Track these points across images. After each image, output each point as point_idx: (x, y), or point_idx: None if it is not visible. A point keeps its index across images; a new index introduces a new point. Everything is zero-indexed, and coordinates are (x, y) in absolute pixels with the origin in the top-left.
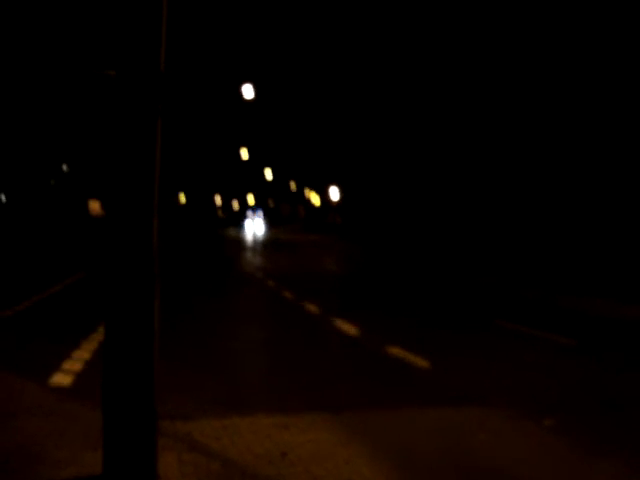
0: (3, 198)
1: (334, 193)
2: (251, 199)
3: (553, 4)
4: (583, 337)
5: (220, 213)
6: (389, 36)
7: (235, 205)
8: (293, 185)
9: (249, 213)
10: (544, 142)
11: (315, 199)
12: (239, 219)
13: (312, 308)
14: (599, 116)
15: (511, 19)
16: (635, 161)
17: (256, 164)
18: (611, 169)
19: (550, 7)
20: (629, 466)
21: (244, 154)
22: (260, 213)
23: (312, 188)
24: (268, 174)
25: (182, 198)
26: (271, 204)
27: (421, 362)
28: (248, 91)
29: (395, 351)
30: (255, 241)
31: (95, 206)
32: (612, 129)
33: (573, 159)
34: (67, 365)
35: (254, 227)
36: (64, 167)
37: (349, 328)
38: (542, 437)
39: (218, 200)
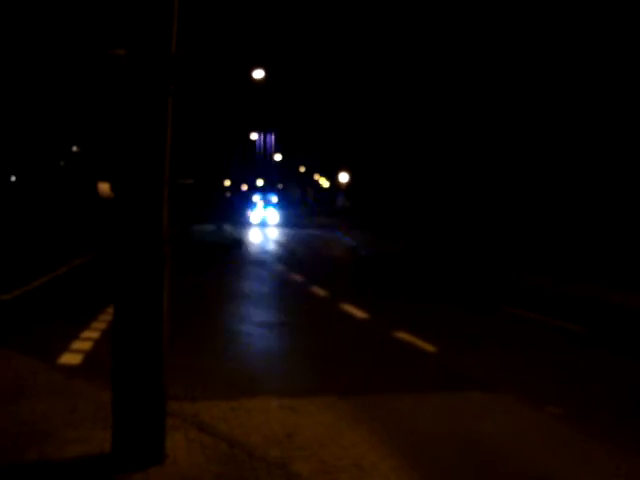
0: (13, 178)
1: (343, 177)
2: (260, 182)
3: (553, 4)
4: (593, 325)
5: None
6: (400, 23)
7: (244, 188)
8: (302, 168)
9: (254, 203)
10: (551, 132)
11: (324, 183)
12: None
13: (321, 292)
14: (599, 112)
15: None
16: None
17: (266, 148)
18: (618, 158)
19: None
20: (628, 452)
21: (254, 137)
22: (272, 200)
23: (321, 172)
24: (277, 157)
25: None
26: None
27: (428, 347)
28: (258, 74)
29: (402, 335)
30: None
31: (104, 188)
32: (613, 122)
33: (581, 149)
34: (76, 345)
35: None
36: (74, 148)
37: (357, 312)
38: (547, 423)
39: (227, 184)
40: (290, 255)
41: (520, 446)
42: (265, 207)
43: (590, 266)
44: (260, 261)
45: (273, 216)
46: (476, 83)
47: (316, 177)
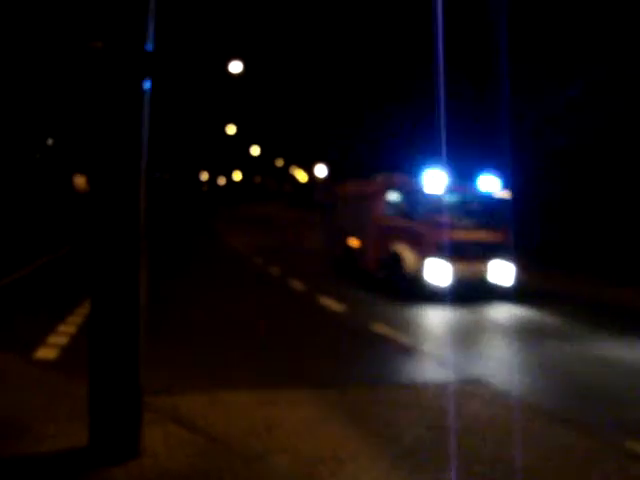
0: None
1: (321, 170)
2: (238, 175)
3: (552, 4)
4: (570, 317)
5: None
6: (375, 15)
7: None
8: (280, 162)
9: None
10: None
11: (302, 176)
12: None
13: (298, 285)
14: None
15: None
16: None
17: (243, 141)
18: None
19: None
20: (609, 443)
21: (231, 130)
22: None
23: (299, 165)
24: (255, 151)
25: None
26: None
27: (406, 339)
28: (236, 67)
29: (380, 328)
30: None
31: (81, 181)
32: None
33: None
34: (52, 339)
35: None
36: (49, 141)
37: (335, 305)
38: (526, 414)
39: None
40: (267, 247)
41: (500, 437)
42: None
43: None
44: (237, 255)
45: None
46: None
47: (293, 170)
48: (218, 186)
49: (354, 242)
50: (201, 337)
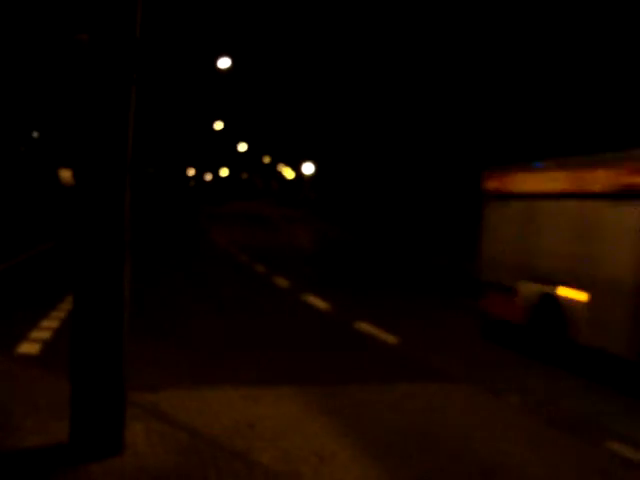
0: None
1: (308, 168)
2: (225, 172)
3: (553, 4)
4: None
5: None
6: (363, 11)
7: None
8: (267, 159)
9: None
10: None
11: (289, 173)
12: None
13: (283, 283)
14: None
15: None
16: None
17: (230, 137)
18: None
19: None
20: (584, 439)
21: (218, 127)
22: None
23: (286, 162)
24: (242, 147)
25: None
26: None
27: (389, 338)
28: (224, 63)
29: (364, 326)
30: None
31: (66, 175)
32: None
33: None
34: (35, 334)
35: None
36: (34, 134)
37: (319, 303)
38: (506, 412)
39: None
40: (253, 245)
41: (480, 435)
42: None
43: None
44: (223, 252)
45: None
46: (432, 83)
47: (280, 167)
48: (205, 182)
49: (570, 294)
50: (184, 330)
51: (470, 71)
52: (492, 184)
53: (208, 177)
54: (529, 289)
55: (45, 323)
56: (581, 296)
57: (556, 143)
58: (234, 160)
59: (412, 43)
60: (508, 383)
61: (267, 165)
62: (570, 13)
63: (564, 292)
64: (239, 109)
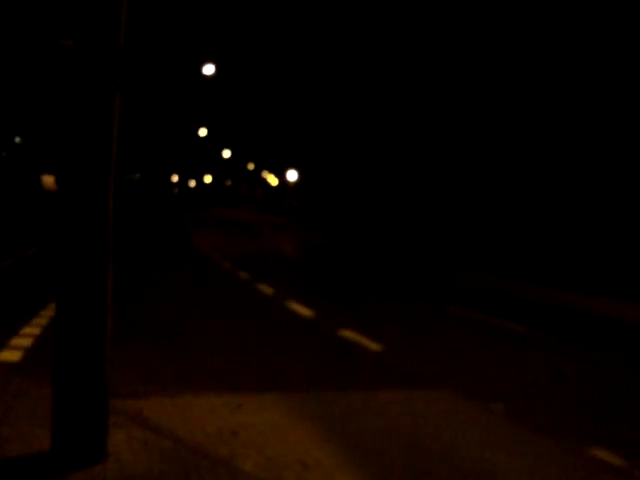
0: None
1: (292, 175)
2: (208, 178)
3: (553, 4)
4: (535, 325)
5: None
6: (348, 13)
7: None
8: (251, 166)
9: None
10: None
11: (273, 180)
12: None
13: (267, 290)
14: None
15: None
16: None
17: (214, 144)
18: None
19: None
20: (571, 445)
21: (202, 133)
22: None
23: (270, 169)
24: (226, 154)
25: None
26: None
27: (373, 345)
28: (208, 69)
29: (348, 334)
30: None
31: (49, 180)
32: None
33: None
34: (16, 341)
35: None
36: (17, 139)
37: (303, 310)
38: (490, 420)
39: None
40: (236, 252)
41: (464, 442)
42: None
43: (533, 266)
44: (206, 259)
45: None
46: (420, 83)
47: (264, 174)
48: (189, 188)
49: None
50: (166, 336)
51: (449, 86)
52: None
53: (192, 183)
54: None
55: (26, 330)
56: None
57: (553, 144)
58: (218, 167)
59: (394, 52)
60: (492, 389)
61: (251, 172)
62: (570, 12)
63: None
64: (223, 116)
